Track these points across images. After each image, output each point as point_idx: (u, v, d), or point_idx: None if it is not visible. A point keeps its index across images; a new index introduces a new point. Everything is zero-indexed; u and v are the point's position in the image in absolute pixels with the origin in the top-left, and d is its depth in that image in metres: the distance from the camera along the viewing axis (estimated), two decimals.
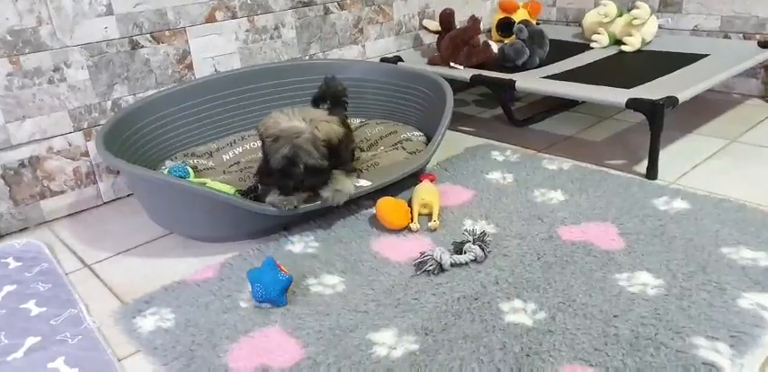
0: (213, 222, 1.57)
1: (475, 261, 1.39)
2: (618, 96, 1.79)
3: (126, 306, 1.35)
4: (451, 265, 1.37)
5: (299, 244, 1.54)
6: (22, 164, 1.72)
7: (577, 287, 1.28)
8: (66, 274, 1.51)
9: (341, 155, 1.60)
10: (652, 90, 1.82)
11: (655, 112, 1.70)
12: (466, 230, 1.44)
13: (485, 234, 1.42)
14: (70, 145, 1.80)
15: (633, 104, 1.74)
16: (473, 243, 1.39)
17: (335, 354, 1.15)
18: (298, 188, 1.51)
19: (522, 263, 1.38)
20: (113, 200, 1.91)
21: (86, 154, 1.83)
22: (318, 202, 1.54)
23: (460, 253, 1.39)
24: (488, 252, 1.40)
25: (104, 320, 1.32)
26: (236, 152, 1.98)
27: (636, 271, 1.33)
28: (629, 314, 1.19)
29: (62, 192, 1.81)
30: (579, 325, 1.17)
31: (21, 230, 1.76)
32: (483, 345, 1.14)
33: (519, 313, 1.22)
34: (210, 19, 2.00)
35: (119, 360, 1.19)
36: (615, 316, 1.19)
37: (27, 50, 1.66)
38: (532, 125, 2.31)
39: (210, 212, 1.53)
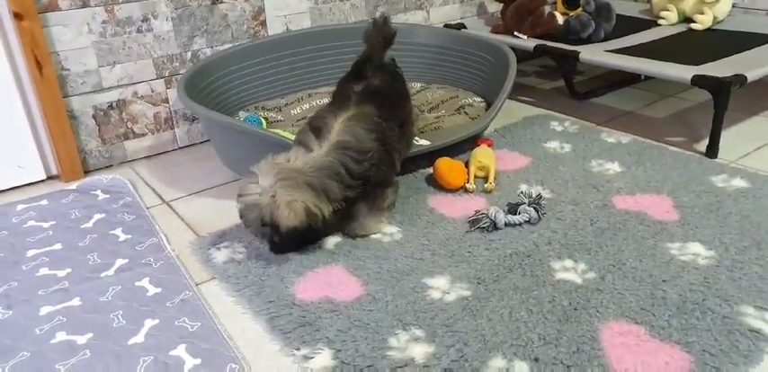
0: None
1: (529, 222, 1.45)
2: (683, 72, 1.80)
3: (202, 239, 1.48)
4: (505, 224, 1.44)
5: None
6: (110, 106, 1.86)
7: (628, 253, 1.33)
8: (148, 208, 1.64)
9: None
10: (720, 68, 1.81)
11: (720, 90, 1.70)
12: (522, 192, 1.51)
13: (540, 197, 1.48)
14: (152, 91, 1.92)
15: (699, 81, 1.74)
16: (528, 205, 1.46)
17: (393, 293, 1.24)
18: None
19: (575, 227, 1.44)
20: (188, 146, 2.04)
21: (166, 100, 1.95)
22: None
23: (515, 214, 1.46)
24: (543, 214, 1.46)
25: (182, 250, 1.45)
26: (304, 108, 2.07)
27: (688, 242, 1.37)
28: (678, 281, 1.24)
29: (143, 135, 1.94)
30: (628, 286, 1.23)
31: (107, 167, 1.90)
32: (532, 297, 1.22)
33: (569, 271, 1.29)
34: None
35: (196, 284, 1.32)
36: (664, 281, 1.24)
37: (121, 0, 1.77)
38: (593, 99, 2.32)
39: None
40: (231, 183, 1.78)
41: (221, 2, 1.96)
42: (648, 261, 1.31)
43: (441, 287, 1.26)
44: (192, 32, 1.93)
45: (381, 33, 1.63)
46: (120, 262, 1.39)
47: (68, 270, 1.37)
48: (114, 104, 1.86)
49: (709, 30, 2.34)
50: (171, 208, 1.66)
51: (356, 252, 1.39)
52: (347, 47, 2.23)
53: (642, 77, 2.41)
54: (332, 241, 1.44)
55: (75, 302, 1.26)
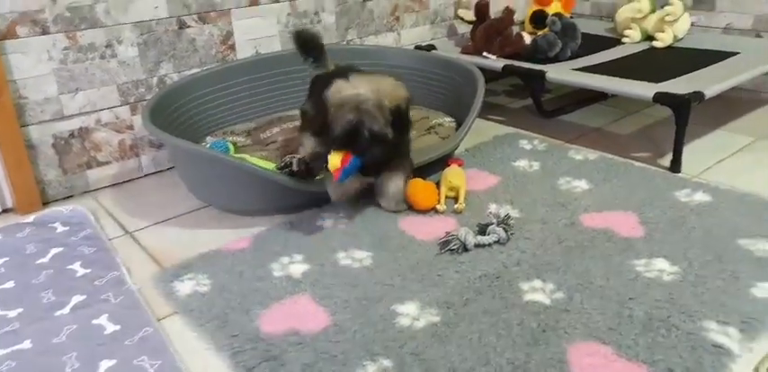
0: (249, 196, 1.65)
1: (498, 242, 1.44)
2: (646, 90, 1.82)
3: (165, 271, 1.44)
4: (475, 245, 1.43)
5: (330, 220, 1.61)
6: (72, 135, 1.82)
7: (595, 271, 1.33)
8: (110, 239, 1.60)
9: (405, 123, 1.55)
10: (680, 85, 1.85)
11: (681, 106, 1.73)
12: (491, 212, 1.50)
13: (509, 217, 1.47)
14: (117, 118, 1.89)
15: (660, 98, 1.77)
16: (497, 226, 1.45)
17: (361, 322, 1.22)
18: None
19: (543, 246, 1.43)
20: (153, 173, 2.01)
21: (131, 127, 1.92)
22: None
23: (484, 235, 1.45)
24: (511, 234, 1.45)
25: (145, 282, 1.41)
26: (274, 131, 2.05)
27: (653, 258, 1.37)
28: (644, 298, 1.24)
29: (107, 163, 1.91)
30: (595, 306, 1.23)
31: (67, 197, 1.86)
32: (502, 320, 1.20)
33: (538, 292, 1.28)
34: (254, 2, 2.07)
35: (158, 320, 1.28)
36: (630, 299, 1.24)
37: (83, 26, 1.75)
38: (561, 116, 2.34)
39: (247, 186, 1.61)
40: (197, 211, 1.75)
41: (188, 26, 1.95)
42: (615, 278, 1.31)
43: (410, 313, 1.24)
44: (158, 58, 1.92)
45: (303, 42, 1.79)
46: (76, 299, 1.34)
47: (20, 310, 1.31)
48: (76, 132, 1.83)
49: (669, 47, 2.39)
50: (134, 238, 1.62)
51: (324, 280, 1.36)
52: None
53: (609, 94, 2.44)
54: (299, 269, 1.41)
55: (26, 345, 1.20)
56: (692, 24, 2.45)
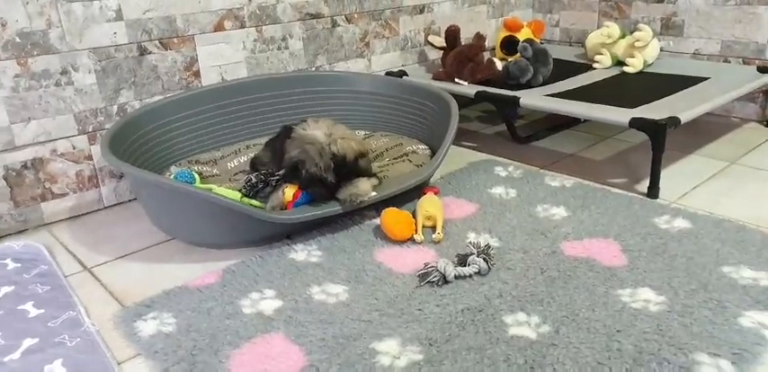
0: (217, 228, 1.57)
1: (479, 273, 1.39)
2: (621, 115, 1.81)
3: (126, 310, 1.34)
4: (455, 277, 1.37)
5: (303, 253, 1.54)
6: (24, 166, 1.72)
7: (580, 302, 1.28)
8: (66, 277, 1.50)
9: (358, 170, 1.63)
10: (654, 110, 1.85)
11: (657, 132, 1.72)
12: (470, 242, 1.45)
13: (489, 247, 1.42)
14: (74, 148, 1.79)
15: (636, 123, 1.76)
16: (477, 256, 1.39)
17: (339, 362, 1.14)
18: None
19: (525, 277, 1.38)
20: (114, 205, 1.91)
21: (90, 157, 1.83)
22: (338, 208, 1.56)
23: (464, 266, 1.39)
24: (492, 264, 1.40)
25: (104, 323, 1.31)
26: (241, 160, 1.98)
27: (638, 288, 1.33)
28: (632, 330, 1.19)
29: (64, 195, 1.80)
30: (583, 339, 1.17)
31: (20, 232, 1.74)
32: (487, 357, 1.14)
33: (523, 326, 1.22)
34: (219, 28, 2.02)
35: (118, 364, 1.18)
36: (618, 331, 1.19)
37: (35, 52, 1.67)
38: (535, 142, 2.33)
39: (215, 218, 1.53)
40: (161, 244, 1.65)
41: (150, 53, 1.88)
42: (601, 310, 1.26)
43: (390, 351, 1.16)
44: (118, 85, 1.84)
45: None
46: (28, 343, 1.23)
47: None
48: (29, 163, 1.72)
49: (640, 72, 2.42)
50: (93, 275, 1.52)
51: (298, 316, 1.28)
52: (286, 96, 2.18)
53: (582, 120, 2.44)
54: (271, 305, 1.33)
55: None
56: (662, 49, 2.49)
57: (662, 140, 1.72)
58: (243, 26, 2.08)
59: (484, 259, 1.39)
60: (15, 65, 1.64)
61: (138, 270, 1.53)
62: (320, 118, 1.67)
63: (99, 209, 1.88)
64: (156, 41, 1.89)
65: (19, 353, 1.20)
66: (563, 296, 1.30)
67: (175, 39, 1.93)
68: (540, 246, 1.51)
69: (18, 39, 1.63)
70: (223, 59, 2.07)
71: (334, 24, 2.33)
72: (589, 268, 1.41)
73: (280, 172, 1.65)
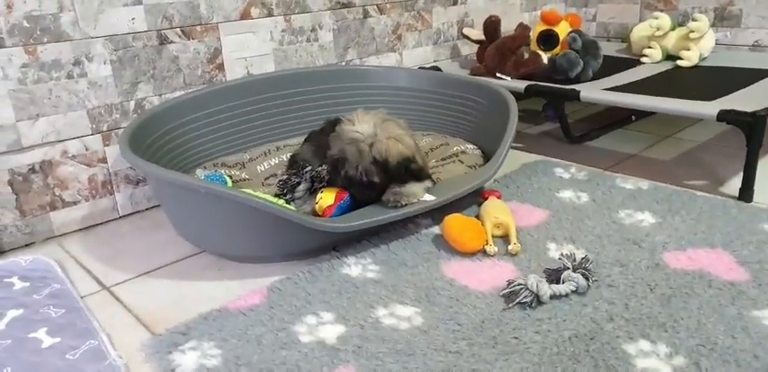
0: (255, 239, 1.35)
1: (576, 291, 1.18)
2: (707, 108, 1.61)
3: (158, 338, 1.12)
4: (551, 297, 1.16)
5: (357, 267, 1.32)
6: (32, 170, 1.49)
7: (712, 327, 1.07)
8: (82, 297, 1.27)
9: (408, 173, 1.41)
10: (737, 103, 1.64)
11: (754, 125, 1.51)
12: (563, 255, 1.23)
13: (587, 261, 1.21)
14: (87, 149, 1.57)
15: (726, 116, 1.56)
16: (574, 271, 1.18)
17: None
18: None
19: (634, 296, 1.17)
20: (130, 214, 1.68)
21: (104, 160, 1.61)
22: (378, 218, 1.33)
23: (558, 282, 1.18)
24: (594, 280, 1.19)
25: (132, 355, 1.08)
26: (272, 163, 1.76)
27: None
28: None
29: (75, 203, 1.58)
30: None
31: (27, 245, 1.52)
32: None
33: (650, 357, 1.00)
34: (246, 15, 1.81)
35: None
36: None
37: (45, 39, 1.45)
38: (587, 142, 2.13)
39: (257, 227, 1.31)
40: (189, 258, 1.43)
41: (171, 42, 1.67)
42: (742, 336, 1.04)
43: None
44: (135, 78, 1.62)
45: None
46: None
47: None
48: (37, 167, 1.50)
49: (696, 67, 2.22)
50: (113, 295, 1.29)
51: (369, 346, 1.06)
52: (316, 93, 1.97)
53: (633, 118, 2.24)
54: (333, 332, 1.11)
55: None
56: (717, 42, 2.30)
57: (760, 134, 1.51)
58: (270, 14, 1.87)
59: (582, 274, 1.17)
60: (23, 53, 1.42)
61: (165, 288, 1.31)
62: (372, 110, 1.46)
63: (114, 219, 1.65)
64: (178, 29, 1.68)
65: None
66: (688, 318, 1.09)
67: (198, 28, 1.72)
68: (639, 258, 1.30)
69: (26, 24, 1.41)
70: (249, 51, 1.86)
71: (366, 15, 2.13)
72: (706, 283, 1.19)
73: (310, 168, 1.46)
